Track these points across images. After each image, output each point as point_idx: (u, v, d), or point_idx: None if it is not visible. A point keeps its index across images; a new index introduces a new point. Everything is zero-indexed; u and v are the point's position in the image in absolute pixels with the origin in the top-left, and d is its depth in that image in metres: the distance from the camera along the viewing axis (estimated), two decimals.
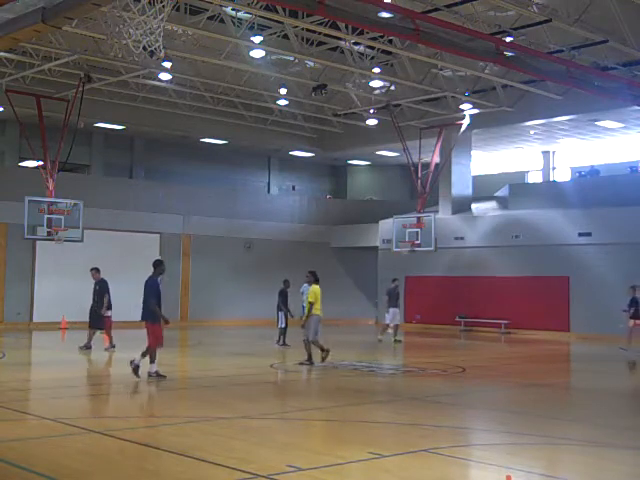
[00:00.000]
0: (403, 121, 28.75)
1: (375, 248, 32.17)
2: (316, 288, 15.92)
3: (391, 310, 22.68)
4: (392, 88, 27.61)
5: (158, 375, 13.12)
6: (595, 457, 7.92)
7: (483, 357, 20.12)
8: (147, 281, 13.19)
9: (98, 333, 18.56)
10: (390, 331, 22.74)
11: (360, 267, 34.42)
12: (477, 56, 18.31)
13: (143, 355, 13.19)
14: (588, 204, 26.55)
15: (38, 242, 25.07)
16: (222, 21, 20.96)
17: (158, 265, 13.40)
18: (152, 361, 13.13)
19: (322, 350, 15.79)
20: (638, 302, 20.21)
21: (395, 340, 22.36)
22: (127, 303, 28.91)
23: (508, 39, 20.06)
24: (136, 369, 13.06)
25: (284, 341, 20.12)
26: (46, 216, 21.97)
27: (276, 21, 21.32)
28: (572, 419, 10.50)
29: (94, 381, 13.31)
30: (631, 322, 20.28)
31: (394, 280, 23.37)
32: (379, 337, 22.75)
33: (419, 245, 24.96)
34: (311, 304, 15.70)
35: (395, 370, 16.06)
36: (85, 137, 30.29)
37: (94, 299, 18.33)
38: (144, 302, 13.04)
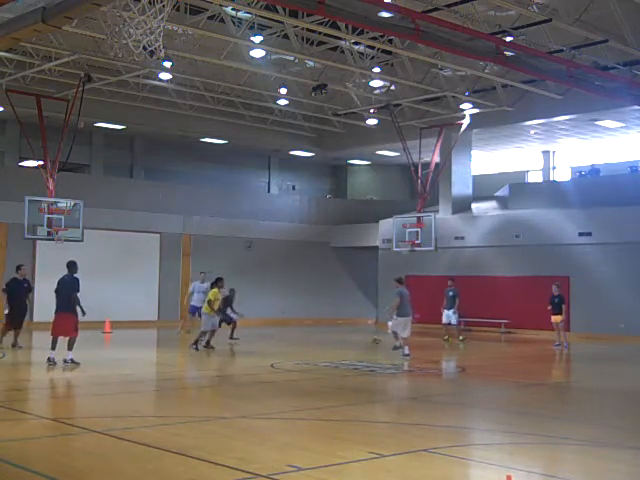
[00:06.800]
0: (403, 121, 28.74)
1: (375, 248, 32.15)
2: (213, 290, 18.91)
3: (444, 312, 23.45)
4: (392, 88, 27.61)
5: (73, 362, 14.65)
6: (595, 457, 7.92)
7: (483, 357, 20.14)
8: (70, 279, 15.30)
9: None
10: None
11: (360, 267, 34.39)
12: (477, 56, 18.35)
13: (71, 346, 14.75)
14: (588, 204, 26.53)
15: (38, 242, 25.04)
16: (222, 21, 20.95)
17: (74, 265, 15.52)
18: (70, 349, 14.74)
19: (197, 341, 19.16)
20: (554, 299, 21.38)
21: (450, 340, 23.16)
22: (128, 303, 29.07)
23: (508, 39, 20.03)
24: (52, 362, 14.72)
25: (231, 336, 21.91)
26: (46, 216, 21.93)
27: (276, 21, 21.31)
28: (572, 419, 10.50)
29: (93, 381, 13.30)
30: (558, 318, 21.32)
31: (450, 281, 24.02)
32: (460, 338, 23.60)
33: (419, 245, 24.93)
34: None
35: (395, 370, 16.06)
36: (85, 137, 30.26)
37: (22, 298, 18.30)
38: (69, 296, 15.04)
